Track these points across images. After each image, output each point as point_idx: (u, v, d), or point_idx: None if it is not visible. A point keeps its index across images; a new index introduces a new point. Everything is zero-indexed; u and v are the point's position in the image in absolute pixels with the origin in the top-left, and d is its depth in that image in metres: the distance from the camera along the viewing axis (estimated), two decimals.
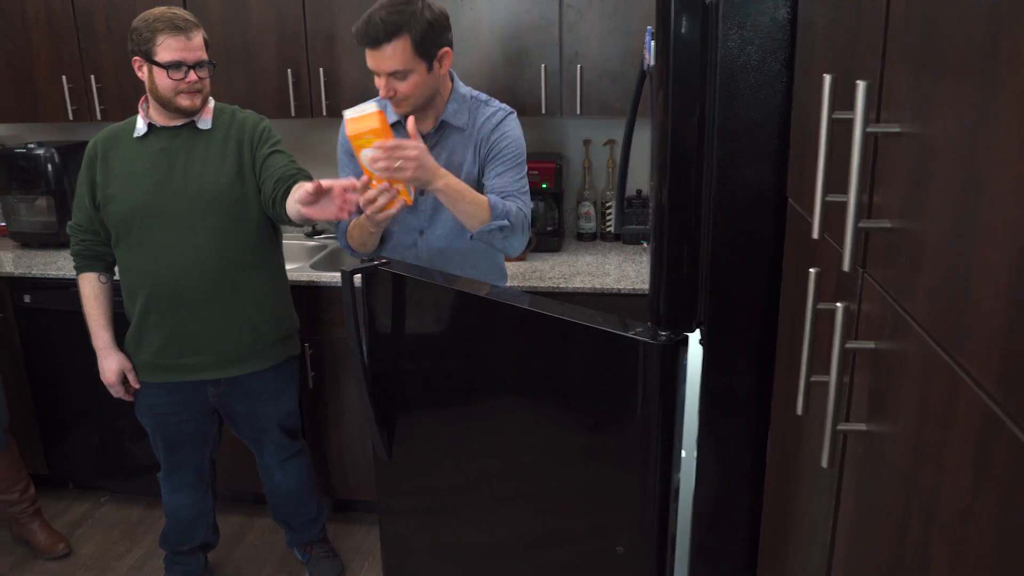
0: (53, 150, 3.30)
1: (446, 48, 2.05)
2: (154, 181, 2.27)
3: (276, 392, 2.54)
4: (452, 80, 2.16)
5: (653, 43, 1.35)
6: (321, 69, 2.94)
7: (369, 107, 1.92)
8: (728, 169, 1.33)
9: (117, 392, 2.49)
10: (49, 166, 3.28)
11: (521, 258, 2.96)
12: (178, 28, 2.17)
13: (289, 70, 2.97)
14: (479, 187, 2.13)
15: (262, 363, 2.46)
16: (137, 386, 2.47)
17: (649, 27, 1.45)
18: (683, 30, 1.29)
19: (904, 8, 0.80)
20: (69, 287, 3.01)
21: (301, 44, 2.95)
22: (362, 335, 1.92)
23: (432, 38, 1.99)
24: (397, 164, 1.84)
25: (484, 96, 2.21)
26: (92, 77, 3.14)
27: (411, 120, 1.97)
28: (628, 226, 2.88)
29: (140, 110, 2.32)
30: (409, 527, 2.16)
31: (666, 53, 1.29)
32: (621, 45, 2.77)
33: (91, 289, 2.46)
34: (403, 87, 2.00)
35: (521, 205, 2.12)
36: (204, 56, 2.23)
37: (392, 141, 1.88)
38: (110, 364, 2.45)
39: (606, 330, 1.51)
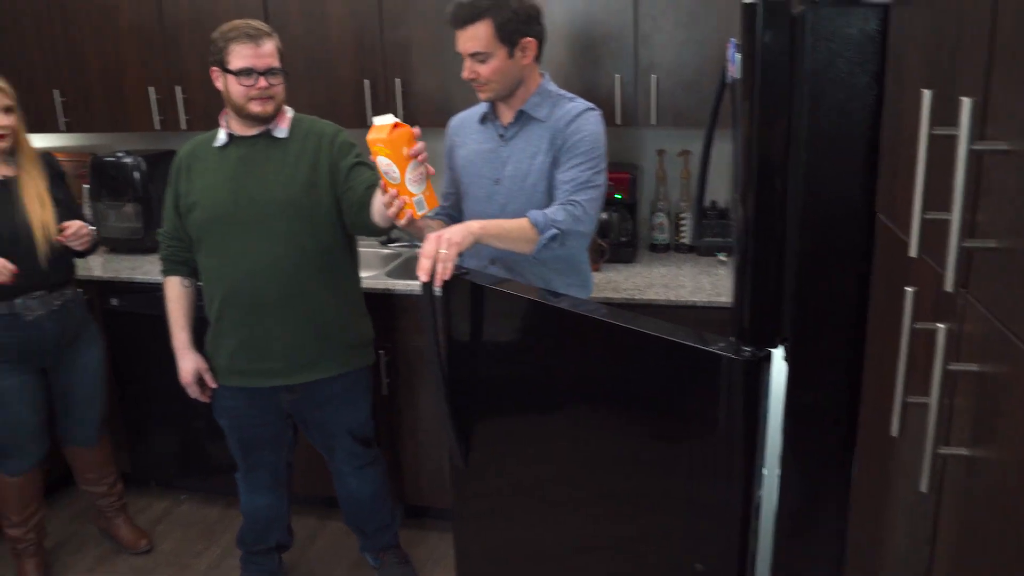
0: (141, 159, 3.41)
1: (530, 39, 2.10)
2: (231, 189, 2.34)
3: (348, 400, 2.57)
4: (543, 78, 2.21)
5: (738, 55, 1.34)
6: (397, 79, 2.99)
7: (388, 119, 1.89)
8: (815, 182, 1.31)
9: (193, 392, 2.56)
10: (136, 174, 3.40)
11: (595, 268, 2.95)
12: (249, 36, 2.24)
13: (366, 80, 3.03)
14: (548, 179, 2.15)
15: (332, 370, 2.48)
16: (214, 386, 2.53)
17: (733, 39, 1.44)
18: (770, 42, 1.28)
19: (1012, 22, 0.77)
20: (154, 291, 3.11)
21: (378, 55, 3.00)
22: (441, 343, 1.94)
23: (515, 25, 2.05)
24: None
25: (570, 95, 2.24)
26: (178, 88, 3.25)
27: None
28: (706, 238, 2.85)
29: (221, 122, 2.40)
30: (483, 535, 2.17)
31: (752, 65, 1.28)
32: (697, 55, 2.75)
33: (174, 292, 2.54)
34: (483, 70, 2.08)
35: (581, 201, 2.08)
36: (274, 63, 2.28)
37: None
38: (186, 364, 2.53)
39: (688, 344, 1.50)
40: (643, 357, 1.63)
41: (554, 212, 2.06)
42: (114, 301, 3.20)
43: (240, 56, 2.24)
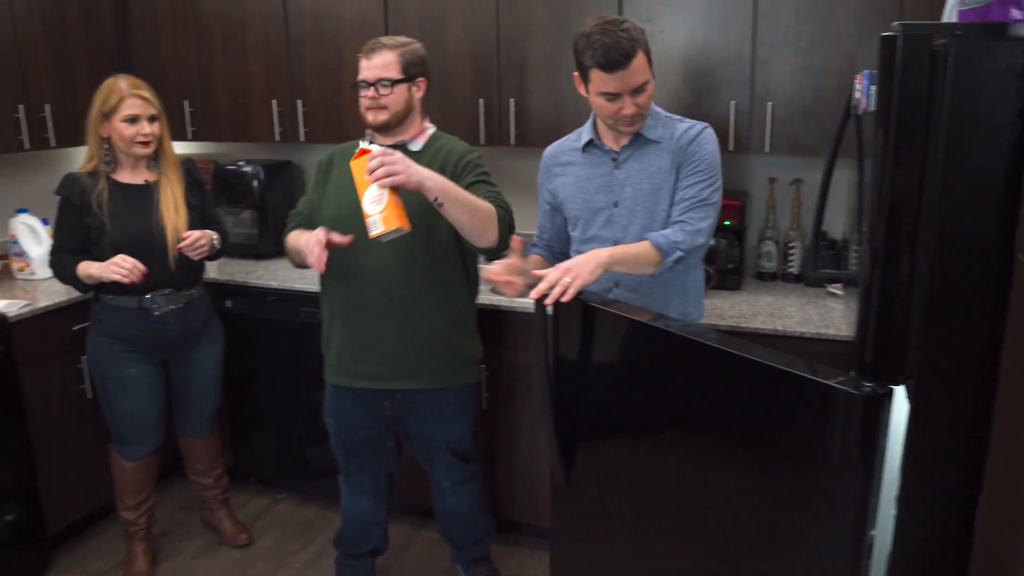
0: (260, 168, 3.56)
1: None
2: (354, 195, 2.40)
3: (449, 415, 2.58)
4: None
5: (873, 87, 1.32)
6: (511, 100, 3.04)
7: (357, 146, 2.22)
8: (949, 218, 1.28)
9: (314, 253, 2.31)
10: (255, 183, 3.55)
11: None
12: (368, 50, 2.38)
13: (481, 100, 3.08)
14: (671, 196, 2.17)
15: (433, 382, 2.51)
16: (340, 240, 2.35)
17: (867, 71, 1.42)
18: (908, 75, 1.26)
19: None
20: (266, 295, 3.24)
21: (493, 75, 3.06)
22: (548, 361, 1.95)
23: (650, 50, 2.12)
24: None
25: (679, 116, 2.26)
26: (299, 102, 3.38)
27: None
28: (822, 270, 2.79)
29: (367, 131, 2.49)
30: (580, 554, 2.16)
31: (889, 98, 1.27)
32: (816, 83, 2.71)
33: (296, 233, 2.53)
34: (642, 99, 2.12)
35: (697, 218, 2.12)
36: (384, 75, 2.35)
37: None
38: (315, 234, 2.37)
39: (804, 376, 1.47)
40: (755, 386, 1.60)
41: (673, 234, 2.09)
42: (228, 303, 3.34)
43: (360, 69, 2.38)
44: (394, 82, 2.36)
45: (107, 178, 2.69)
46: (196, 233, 2.70)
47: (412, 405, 2.55)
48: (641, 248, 2.08)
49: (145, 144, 2.65)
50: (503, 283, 2.09)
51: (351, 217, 2.38)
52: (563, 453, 2.01)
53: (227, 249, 2.97)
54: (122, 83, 2.65)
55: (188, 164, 2.87)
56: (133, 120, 2.62)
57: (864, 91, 1.40)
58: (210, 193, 2.94)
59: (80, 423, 3.14)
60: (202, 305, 2.90)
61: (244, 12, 3.40)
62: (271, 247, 3.61)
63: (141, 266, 2.58)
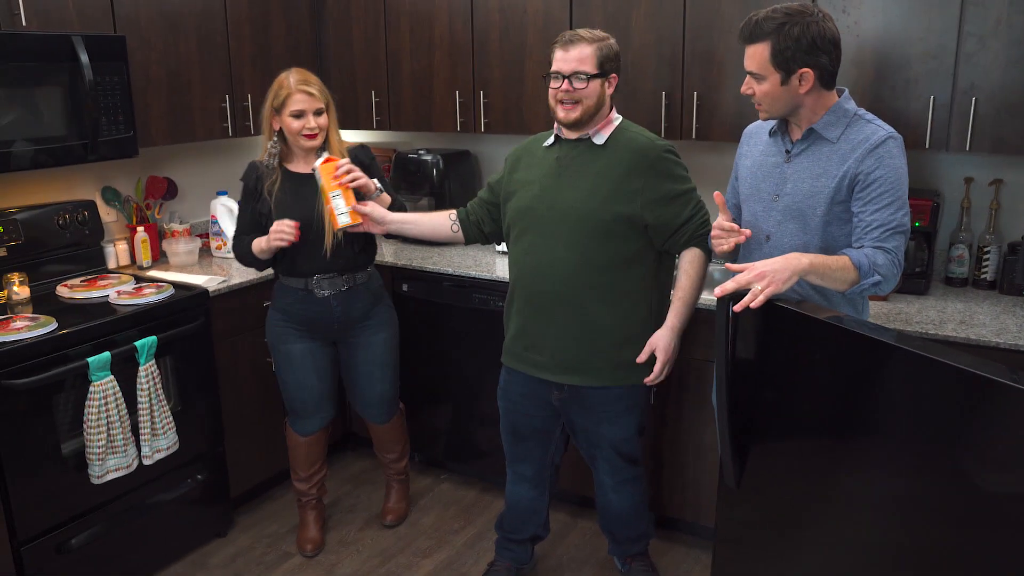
0: (439, 157, 3.68)
1: (808, 70, 2.01)
2: (541, 187, 2.46)
3: (615, 414, 2.56)
4: (840, 96, 2.12)
5: None
6: (695, 93, 3.00)
7: (323, 156, 2.69)
8: None
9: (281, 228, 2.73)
10: (434, 171, 3.67)
11: (884, 298, 2.81)
12: (565, 42, 2.34)
13: (664, 92, 3.06)
14: (829, 201, 2.06)
15: (601, 380, 2.49)
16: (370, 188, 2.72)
17: None
18: None
19: None
20: (441, 281, 3.35)
21: (678, 67, 3.03)
22: (728, 361, 1.92)
23: (792, 54, 1.99)
24: None
25: (869, 115, 2.12)
26: (481, 93, 3.46)
27: None
28: None
29: (555, 123, 2.49)
30: (743, 558, 2.12)
31: None
32: None
33: (440, 214, 2.77)
34: (757, 89, 2.07)
35: (894, 248, 2.02)
36: (581, 68, 2.30)
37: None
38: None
39: (1014, 386, 1.39)
40: (952, 394, 1.52)
41: (874, 255, 1.99)
42: (405, 287, 3.47)
43: (553, 61, 2.35)
44: (590, 76, 2.32)
45: (281, 167, 2.83)
46: (351, 167, 2.66)
47: (579, 399, 2.55)
48: (840, 263, 1.98)
49: (311, 137, 2.76)
50: (724, 235, 2.09)
51: (532, 212, 2.46)
52: (736, 455, 1.98)
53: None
54: (291, 78, 2.75)
55: (356, 150, 2.91)
56: (299, 115, 2.73)
57: None
58: (384, 178, 2.96)
59: (264, 394, 3.36)
60: (367, 292, 2.97)
61: (432, 5, 3.52)
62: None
63: (290, 221, 2.71)
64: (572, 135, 2.44)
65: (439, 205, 3.69)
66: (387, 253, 3.62)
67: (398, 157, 3.80)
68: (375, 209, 2.67)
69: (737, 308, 1.84)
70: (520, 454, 2.76)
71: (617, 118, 2.45)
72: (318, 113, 2.76)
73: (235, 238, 2.94)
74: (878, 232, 2.02)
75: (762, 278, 1.84)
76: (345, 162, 2.66)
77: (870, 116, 2.11)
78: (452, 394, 3.50)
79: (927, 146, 2.69)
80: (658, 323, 2.48)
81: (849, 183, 2.05)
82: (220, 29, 3.40)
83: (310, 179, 2.78)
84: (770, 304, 1.84)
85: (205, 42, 3.35)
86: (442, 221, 2.74)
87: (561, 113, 2.38)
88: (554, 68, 2.35)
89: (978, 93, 2.60)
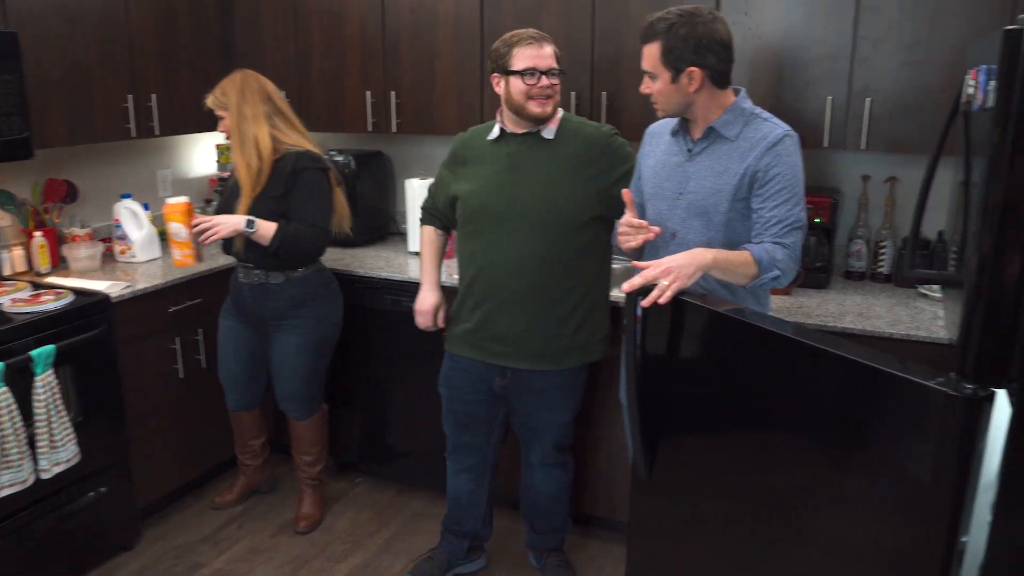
0: (351, 157, 3.64)
1: (696, 68, 2.06)
2: (495, 182, 2.50)
3: (558, 398, 2.63)
4: (736, 96, 2.17)
5: (991, 83, 1.29)
6: (604, 93, 3.04)
7: (182, 199, 2.86)
8: None
9: (424, 321, 2.78)
10: (346, 171, 3.62)
11: (786, 292, 2.89)
12: (533, 39, 2.41)
13: (573, 93, 3.10)
14: (731, 198, 2.11)
15: (554, 364, 2.57)
16: (442, 326, 2.77)
17: (984, 65, 1.39)
18: None
19: None
20: (353, 283, 3.31)
21: (587, 68, 3.07)
22: (636, 354, 1.95)
23: (681, 53, 2.05)
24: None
25: (765, 113, 2.18)
26: (392, 93, 3.44)
27: None
28: (919, 270, 2.72)
29: (497, 117, 2.55)
30: (657, 549, 2.16)
31: (1009, 94, 1.23)
32: (919, 78, 2.64)
33: (427, 236, 2.81)
34: (651, 87, 2.13)
35: (792, 244, 2.08)
36: (555, 65, 2.42)
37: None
38: (430, 298, 2.76)
39: (902, 375, 1.45)
40: (847, 384, 1.58)
41: (773, 250, 2.04)
42: None
43: (523, 58, 2.40)
44: (561, 73, 2.44)
45: None
46: (205, 223, 2.78)
47: (524, 383, 2.62)
48: (742, 258, 2.03)
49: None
50: (632, 232, 2.12)
51: (488, 209, 2.51)
52: (647, 447, 2.01)
53: (289, 244, 2.85)
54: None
55: (297, 155, 2.86)
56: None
57: (980, 87, 1.36)
58: (307, 187, 2.90)
59: (172, 402, 3.28)
60: (283, 295, 2.96)
61: (343, 5, 3.48)
62: (360, 235, 3.68)
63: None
64: (520, 130, 2.49)
65: (352, 207, 3.63)
66: None
67: None
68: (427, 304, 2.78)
69: (645, 303, 1.87)
70: (461, 442, 2.81)
71: (560, 112, 2.52)
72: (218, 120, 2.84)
73: None
74: (777, 228, 2.08)
75: (668, 273, 1.87)
76: (200, 222, 2.79)
77: (767, 115, 2.17)
78: (365, 396, 3.47)
79: (826, 145, 2.79)
80: (604, 298, 2.62)
81: (749, 180, 2.10)
82: (122, 25, 3.29)
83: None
84: (675, 299, 1.87)
85: (106, 39, 3.24)
86: (441, 244, 2.81)
87: (537, 108, 2.42)
88: (529, 64, 2.39)
89: (872, 94, 2.70)
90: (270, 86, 2.93)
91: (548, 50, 2.41)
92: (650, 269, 1.89)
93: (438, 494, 3.49)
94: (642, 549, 2.21)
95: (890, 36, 2.65)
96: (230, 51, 3.76)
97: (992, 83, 1.27)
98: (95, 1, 3.18)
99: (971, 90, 1.49)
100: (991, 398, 1.38)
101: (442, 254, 2.80)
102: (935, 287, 2.84)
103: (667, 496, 2.06)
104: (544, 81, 2.40)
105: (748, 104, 2.17)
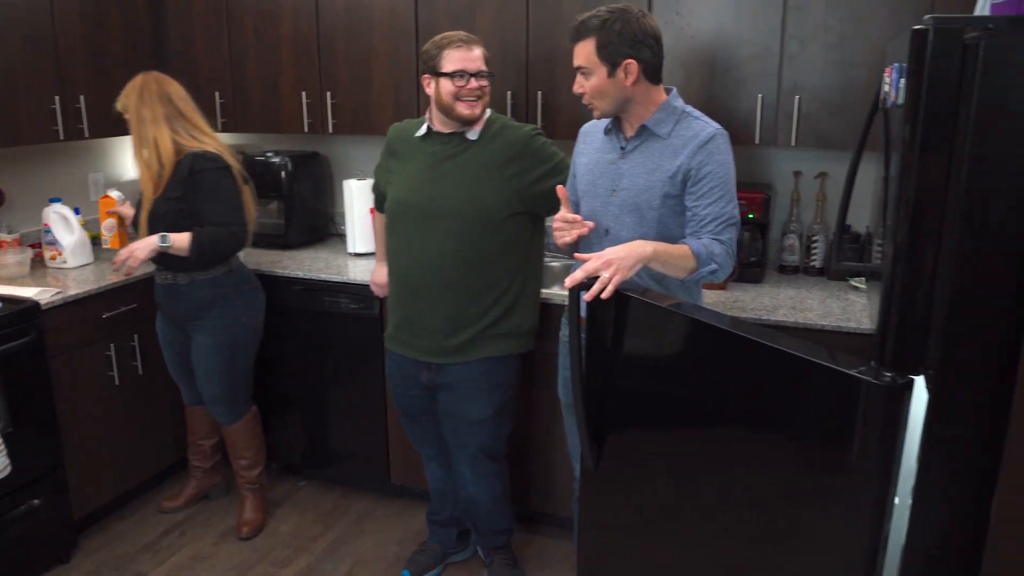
0: (288, 159, 3.60)
1: (632, 61, 2.09)
2: (418, 180, 2.54)
3: (477, 391, 2.62)
4: (668, 94, 2.20)
5: (902, 80, 1.33)
6: (540, 92, 3.06)
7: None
8: (976, 215, 1.28)
9: (380, 292, 2.94)
10: (283, 173, 3.59)
11: (722, 287, 2.94)
12: (462, 42, 2.45)
13: (509, 92, 3.11)
14: (663, 195, 2.14)
15: (471, 355, 2.58)
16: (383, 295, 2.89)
17: (896, 63, 1.43)
18: (938, 69, 1.26)
19: None
20: (292, 286, 3.28)
21: (522, 68, 3.08)
22: (580, 347, 1.98)
23: (616, 47, 2.07)
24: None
25: (696, 112, 2.22)
26: (328, 93, 3.41)
27: None
28: (846, 263, 2.79)
29: (427, 115, 2.58)
30: (606, 542, 2.18)
31: (917, 92, 1.27)
32: (844, 76, 2.71)
33: (380, 218, 2.85)
34: (586, 85, 2.13)
35: (728, 240, 2.12)
36: (483, 67, 2.46)
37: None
38: (381, 271, 2.89)
39: (825, 365, 1.49)
40: (775, 374, 1.61)
41: (711, 245, 2.08)
42: None
43: (453, 60, 2.43)
44: (490, 75, 2.48)
45: None
46: (124, 249, 2.81)
47: (443, 376, 2.63)
48: (680, 251, 2.06)
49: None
50: (567, 227, 2.14)
51: (410, 205, 2.54)
52: (593, 439, 2.04)
53: (203, 250, 2.85)
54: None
55: (193, 157, 2.83)
56: None
57: (893, 84, 1.41)
58: (205, 189, 2.86)
59: (109, 409, 3.21)
60: (190, 297, 2.95)
61: (276, 4, 3.44)
62: (297, 237, 3.65)
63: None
64: (446, 129, 2.52)
65: (289, 208, 3.61)
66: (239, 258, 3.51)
67: (245, 160, 3.68)
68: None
69: (587, 297, 1.89)
70: (417, 435, 2.86)
71: (488, 112, 2.55)
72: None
73: None
74: (712, 225, 2.11)
75: (609, 265, 1.89)
76: (115, 259, 2.82)
77: (697, 113, 2.21)
78: (306, 398, 3.44)
79: (757, 142, 2.85)
80: (528, 292, 2.64)
81: (682, 178, 2.13)
82: (46, 25, 3.20)
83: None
84: (617, 293, 1.90)
85: (30, 39, 3.15)
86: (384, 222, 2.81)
87: (466, 110, 2.45)
88: (459, 67, 2.43)
89: (801, 92, 2.76)
90: (173, 87, 2.89)
91: (477, 52, 2.45)
92: (591, 262, 1.91)
93: (383, 495, 3.48)
94: (591, 540, 2.23)
95: (817, 35, 2.71)
96: (162, 50, 3.69)
97: (902, 80, 1.31)
98: (16, 1, 3.09)
99: (887, 87, 1.53)
100: (910, 385, 1.42)
101: None
102: (864, 280, 2.92)
103: (613, 487, 2.08)
104: (473, 83, 2.44)
105: (679, 103, 2.21)
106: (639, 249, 1.95)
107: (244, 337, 3.07)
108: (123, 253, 2.79)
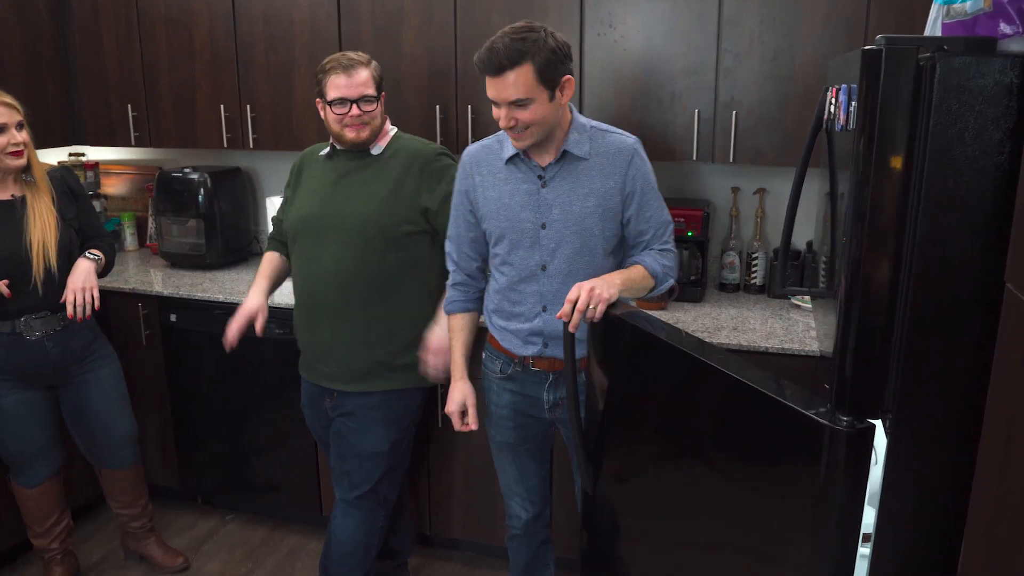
0: (207, 175, 3.41)
1: (568, 76, 1.98)
2: (321, 197, 2.42)
3: (373, 423, 2.46)
4: (571, 112, 2.09)
5: (853, 103, 1.24)
6: (469, 107, 2.94)
7: None
8: (933, 244, 1.21)
9: (235, 326, 2.53)
10: (202, 190, 3.40)
11: (662, 306, 2.86)
12: (343, 67, 2.32)
13: (437, 106, 2.98)
14: (601, 217, 2.05)
15: (371, 385, 2.44)
16: (258, 330, 2.52)
17: (844, 84, 1.35)
18: (891, 92, 1.18)
19: None
20: (213, 309, 3.10)
21: (451, 81, 2.96)
22: (574, 372, 1.94)
23: (555, 66, 1.93)
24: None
25: (603, 125, 2.12)
26: (248, 107, 3.24)
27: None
28: (792, 286, 2.73)
29: (332, 143, 2.47)
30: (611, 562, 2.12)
31: (870, 115, 1.19)
32: (781, 91, 2.65)
33: (267, 256, 2.66)
34: (524, 116, 1.94)
35: (672, 245, 2.15)
36: (367, 91, 2.33)
37: None
38: (250, 301, 2.53)
39: (785, 404, 1.39)
40: (743, 407, 1.54)
41: (661, 259, 2.09)
42: (172, 317, 3.19)
43: (334, 87, 2.32)
44: (375, 98, 2.36)
45: None
46: (74, 291, 2.54)
47: (343, 405, 2.50)
48: (640, 274, 2.05)
49: (18, 154, 2.47)
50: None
51: (311, 222, 2.42)
52: (589, 459, 2.00)
53: (113, 261, 2.76)
54: None
55: (62, 172, 2.67)
56: (2, 130, 2.43)
57: (843, 107, 1.32)
58: (90, 201, 2.74)
59: None
60: (85, 327, 2.69)
61: (190, 12, 3.25)
62: (218, 257, 3.46)
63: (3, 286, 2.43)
64: (347, 147, 2.43)
65: (209, 227, 3.42)
66: (155, 281, 3.32)
67: (162, 176, 3.48)
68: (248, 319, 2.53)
69: (572, 327, 1.87)
70: (333, 468, 2.63)
71: (392, 129, 2.48)
72: (20, 127, 2.48)
73: None
74: (657, 235, 2.11)
75: (592, 295, 1.86)
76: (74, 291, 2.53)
77: (604, 125, 2.12)
78: (229, 428, 3.25)
79: (694, 157, 2.77)
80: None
81: (621, 198, 2.06)
82: None
83: (7, 207, 2.50)
84: (610, 316, 1.87)
85: None
86: (279, 264, 2.64)
87: (352, 135, 2.36)
88: (339, 95, 2.32)
89: (738, 107, 2.70)
90: None
91: (362, 76, 2.33)
92: (573, 291, 1.87)
93: (315, 528, 3.32)
94: (596, 563, 2.18)
95: (753, 49, 2.64)
96: (68, 60, 3.47)
97: (854, 104, 1.23)
98: None
99: (833, 107, 1.45)
100: (871, 431, 1.33)
101: (279, 273, 2.64)
102: (807, 298, 2.87)
103: (612, 506, 2.04)
104: (355, 111, 2.33)
105: (583, 118, 2.11)
106: (610, 282, 1.93)
107: None
108: (76, 294, 2.52)
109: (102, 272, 2.69)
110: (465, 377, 2.28)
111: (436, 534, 3.11)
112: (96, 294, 2.57)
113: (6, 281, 2.44)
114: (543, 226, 2.08)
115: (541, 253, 2.10)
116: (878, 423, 1.33)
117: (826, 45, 2.57)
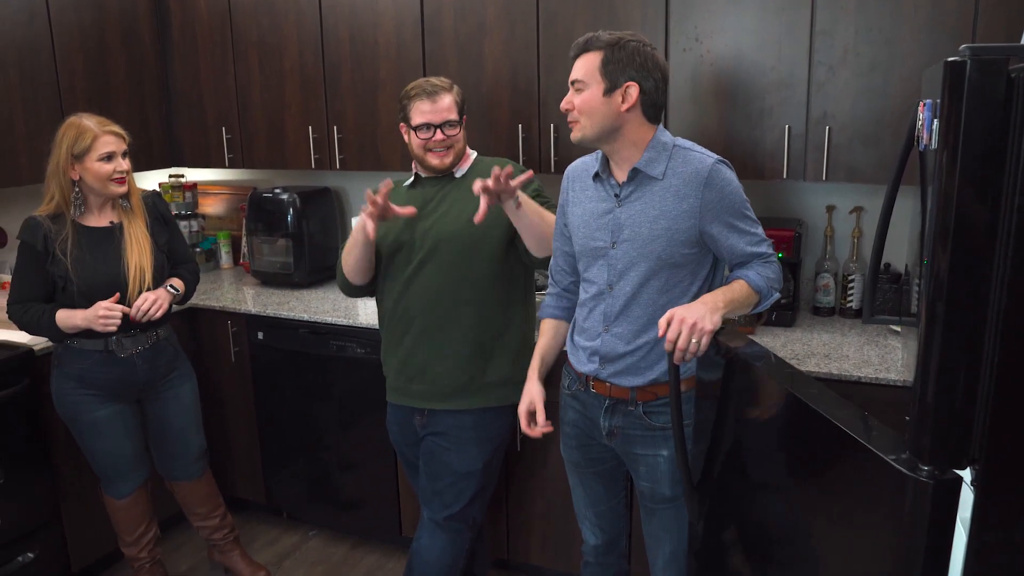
0: (296, 195, 3.47)
1: (634, 83, 1.93)
2: (409, 223, 2.42)
3: (466, 441, 2.45)
4: (657, 131, 2.02)
5: (936, 121, 1.13)
6: (552, 125, 2.89)
7: None
8: None
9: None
10: (291, 210, 3.46)
11: (750, 331, 2.73)
12: (427, 93, 2.36)
13: (520, 125, 2.94)
14: (669, 240, 1.97)
15: (465, 403, 2.44)
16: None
17: (928, 100, 1.23)
18: (979, 108, 1.07)
19: None
20: (298, 328, 3.14)
21: (534, 98, 2.92)
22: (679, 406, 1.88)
23: (623, 67, 1.93)
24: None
25: (688, 143, 2.04)
26: (335, 128, 3.28)
27: None
28: (880, 316, 2.57)
29: (413, 164, 2.51)
30: None
31: (955, 133, 1.08)
32: (877, 106, 2.49)
33: None
34: (577, 100, 1.98)
35: (773, 258, 2.05)
36: (451, 116, 2.37)
37: None
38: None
39: (869, 448, 1.27)
40: (829, 446, 1.42)
41: (765, 272, 2.00)
42: (260, 335, 3.25)
43: (419, 112, 2.36)
44: (458, 123, 2.40)
45: (72, 222, 2.58)
46: (149, 299, 2.62)
47: (434, 424, 2.49)
48: (744, 292, 1.95)
49: (121, 182, 2.58)
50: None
51: (401, 246, 2.43)
52: (692, 490, 1.94)
53: (194, 289, 2.88)
54: (89, 121, 2.55)
55: (153, 198, 2.78)
56: (109, 158, 2.54)
57: (926, 124, 1.21)
58: (178, 226, 2.87)
59: None
60: (169, 344, 2.79)
61: (280, 36, 3.33)
62: (306, 276, 3.52)
63: (124, 309, 2.55)
64: (431, 173, 2.46)
65: (297, 246, 3.48)
66: (245, 299, 3.39)
67: (253, 196, 3.57)
68: None
69: (676, 360, 1.81)
70: (419, 492, 2.63)
71: (473, 153, 2.52)
72: (125, 155, 2.58)
73: (16, 303, 2.62)
74: (754, 251, 2.01)
75: (694, 330, 1.79)
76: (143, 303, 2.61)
77: (688, 143, 2.04)
78: (314, 445, 3.28)
79: (785, 176, 2.64)
80: (528, 335, 2.49)
81: (696, 222, 1.97)
82: (47, 62, 3.13)
83: (106, 233, 2.62)
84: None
85: (28, 77, 3.07)
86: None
87: (435, 160, 2.40)
88: (423, 120, 2.36)
89: (831, 122, 2.55)
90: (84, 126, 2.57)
91: (446, 102, 2.36)
92: (674, 326, 1.80)
93: (394, 547, 3.32)
94: None
95: (847, 61, 2.50)
96: (168, 86, 3.60)
97: (936, 122, 1.11)
98: (14, 34, 3.01)
99: (920, 125, 1.33)
100: (956, 483, 1.20)
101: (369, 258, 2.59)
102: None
103: (718, 539, 1.96)
104: (439, 136, 2.37)
105: (668, 137, 2.03)
106: (711, 303, 1.85)
107: None
108: (148, 302, 2.62)
109: (180, 301, 2.78)
110: (535, 378, 2.24)
111: (513, 559, 3.05)
112: (158, 316, 2.64)
113: (126, 310, 2.56)
114: (613, 245, 2.03)
115: (609, 272, 2.05)
116: (965, 474, 1.20)
117: (927, 56, 2.40)
